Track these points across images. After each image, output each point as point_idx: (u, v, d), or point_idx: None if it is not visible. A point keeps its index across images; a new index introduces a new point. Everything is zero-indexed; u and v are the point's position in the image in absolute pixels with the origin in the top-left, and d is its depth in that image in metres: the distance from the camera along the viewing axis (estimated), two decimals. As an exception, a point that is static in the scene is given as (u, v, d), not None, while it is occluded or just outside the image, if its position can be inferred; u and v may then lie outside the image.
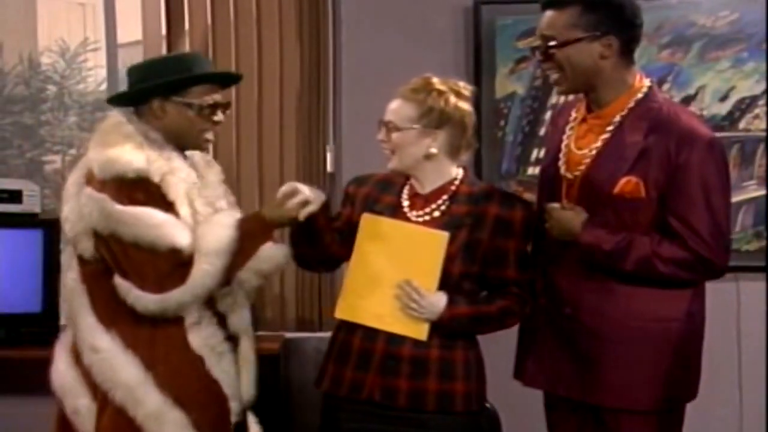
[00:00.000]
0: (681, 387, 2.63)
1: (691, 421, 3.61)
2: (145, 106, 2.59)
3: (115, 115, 2.60)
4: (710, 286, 3.63)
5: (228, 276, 2.50)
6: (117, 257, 2.47)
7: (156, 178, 2.47)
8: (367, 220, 2.59)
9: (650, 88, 2.60)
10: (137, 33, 4.05)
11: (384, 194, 2.68)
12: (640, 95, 2.58)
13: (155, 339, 2.51)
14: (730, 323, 3.77)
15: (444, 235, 2.53)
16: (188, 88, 2.57)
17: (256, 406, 2.74)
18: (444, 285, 2.55)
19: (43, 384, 3.74)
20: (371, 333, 2.57)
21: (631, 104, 2.57)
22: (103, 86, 5.86)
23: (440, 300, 2.53)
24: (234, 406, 2.60)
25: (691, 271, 2.53)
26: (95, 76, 7.74)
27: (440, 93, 2.59)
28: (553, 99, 3.83)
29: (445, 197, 2.63)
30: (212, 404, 2.55)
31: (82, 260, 2.55)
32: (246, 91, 3.91)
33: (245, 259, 2.51)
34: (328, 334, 2.76)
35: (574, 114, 2.71)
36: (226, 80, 2.74)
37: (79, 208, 2.51)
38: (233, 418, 2.60)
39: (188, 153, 2.67)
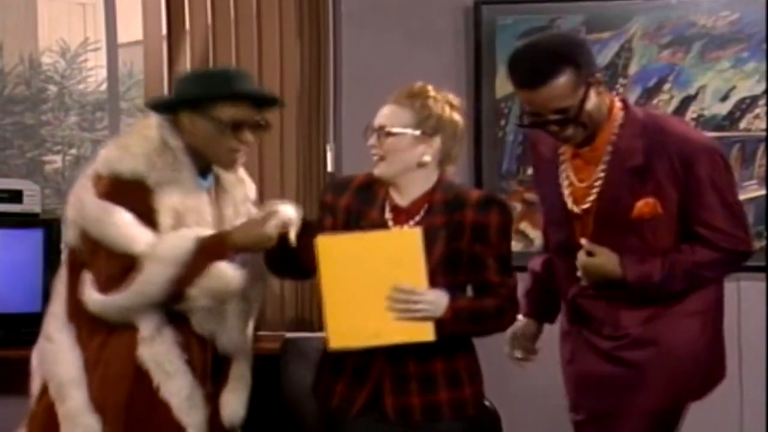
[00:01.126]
0: (713, 372, 2.73)
1: (691, 421, 3.61)
2: (178, 116, 2.57)
3: (149, 117, 2.62)
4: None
5: (176, 289, 2.43)
6: (85, 248, 2.48)
7: (151, 185, 2.46)
8: (324, 242, 2.45)
9: (624, 104, 2.64)
10: (138, 33, 4.05)
11: (366, 208, 2.61)
12: (620, 119, 2.61)
13: (106, 342, 2.49)
14: (731, 323, 3.72)
15: (416, 231, 2.46)
16: (215, 104, 2.53)
17: (256, 405, 2.73)
18: None
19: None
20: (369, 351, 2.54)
21: (616, 129, 2.60)
22: (104, 86, 5.86)
23: (441, 295, 2.48)
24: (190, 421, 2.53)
25: (730, 266, 2.68)
26: (96, 76, 7.76)
27: (436, 99, 2.56)
28: (554, 99, 3.83)
29: (423, 208, 2.58)
30: (139, 422, 2.48)
31: (67, 247, 2.57)
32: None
33: (195, 274, 2.43)
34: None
35: (562, 149, 2.70)
36: (259, 101, 2.62)
37: (76, 203, 2.53)
38: None
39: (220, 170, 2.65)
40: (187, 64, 3.93)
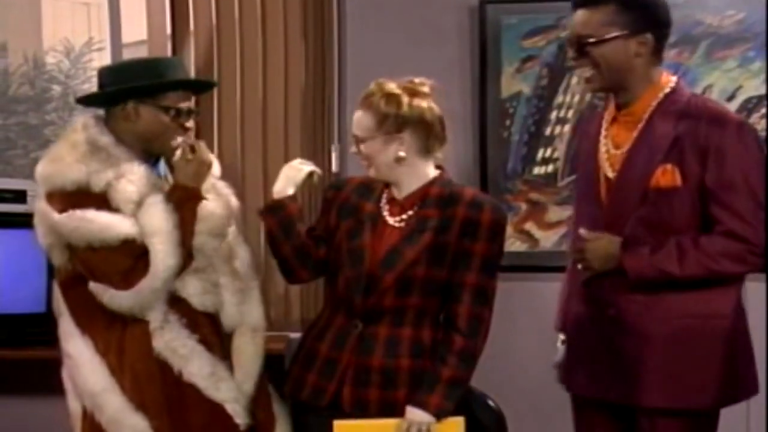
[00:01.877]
0: (730, 386, 2.60)
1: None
2: (117, 107, 2.59)
3: (76, 122, 2.62)
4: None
5: (184, 249, 2.50)
6: (82, 263, 2.51)
7: (97, 189, 2.48)
8: (340, 427, 2.52)
9: (677, 83, 2.63)
10: (142, 33, 4.05)
11: (364, 201, 2.68)
12: (667, 90, 2.60)
13: (124, 345, 2.53)
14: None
15: (459, 420, 2.53)
16: (163, 93, 2.58)
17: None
18: (405, 290, 2.55)
19: (47, 384, 3.74)
20: (340, 341, 2.59)
21: (660, 98, 2.58)
22: (108, 86, 5.88)
23: (416, 414, 2.51)
24: (233, 408, 2.58)
25: (747, 263, 2.51)
26: (100, 76, 7.75)
27: (390, 96, 2.57)
28: (559, 98, 3.83)
29: (417, 202, 2.62)
30: (179, 410, 2.53)
31: (56, 269, 2.61)
32: (251, 91, 3.91)
33: (190, 226, 2.50)
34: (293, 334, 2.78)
35: (606, 116, 2.71)
36: (202, 87, 2.78)
37: (40, 223, 2.57)
38: (238, 420, 2.58)
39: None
40: (191, 63, 3.93)
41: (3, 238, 3.79)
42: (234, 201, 2.77)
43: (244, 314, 2.68)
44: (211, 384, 2.55)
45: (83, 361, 2.53)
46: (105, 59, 6.29)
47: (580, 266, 2.61)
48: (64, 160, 2.51)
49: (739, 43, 3.75)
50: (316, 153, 3.93)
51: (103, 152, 2.53)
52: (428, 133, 2.60)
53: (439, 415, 2.51)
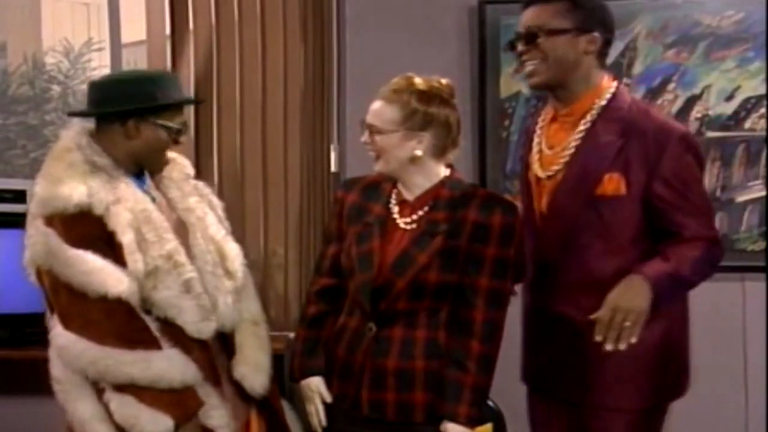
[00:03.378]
0: (667, 385, 2.66)
1: (696, 421, 3.62)
2: (115, 124, 2.56)
3: (66, 139, 2.58)
4: (715, 286, 3.62)
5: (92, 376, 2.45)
6: (49, 292, 2.50)
7: (98, 211, 2.45)
8: None
9: (617, 88, 2.64)
10: (141, 33, 4.06)
11: (372, 203, 2.64)
12: (608, 95, 2.62)
13: None
14: (736, 323, 3.77)
15: (488, 428, 2.54)
16: (166, 111, 2.57)
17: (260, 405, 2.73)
18: (418, 294, 2.53)
19: (47, 384, 3.73)
20: (355, 344, 2.59)
21: (602, 102, 2.61)
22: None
23: (450, 428, 2.51)
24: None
25: (709, 264, 2.59)
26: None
27: (423, 93, 2.54)
28: (558, 99, 3.83)
29: (428, 203, 2.58)
30: None
31: (45, 293, 2.57)
32: (250, 91, 3.92)
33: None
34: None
35: (543, 115, 2.74)
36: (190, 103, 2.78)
37: (28, 238, 2.53)
38: None
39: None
40: (190, 64, 3.94)
41: (2, 238, 3.79)
42: (215, 200, 2.76)
43: (242, 311, 2.67)
44: (202, 412, 2.51)
45: (71, 386, 2.50)
46: (104, 59, 6.29)
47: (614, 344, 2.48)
48: (63, 182, 2.47)
49: (738, 43, 3.75)
50: (315, 153, 3.94)
51: (103, 173, 2.51)
52: (447, 136, 2.58)
53: (471, 423, 2.50)
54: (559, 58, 2.57)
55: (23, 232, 3.79)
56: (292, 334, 3.94)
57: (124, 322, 2.44)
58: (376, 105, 2.57)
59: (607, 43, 2.64)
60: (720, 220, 3.75)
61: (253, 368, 2.65)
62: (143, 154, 2.58)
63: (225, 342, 2.64)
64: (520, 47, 2.63)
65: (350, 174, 3.66)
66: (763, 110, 3.75)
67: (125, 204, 2.49)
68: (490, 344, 2.52)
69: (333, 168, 3.97)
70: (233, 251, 2.69)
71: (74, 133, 2.58)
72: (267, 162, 3.94)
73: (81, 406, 2.48)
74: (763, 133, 3.75)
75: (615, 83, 2.65)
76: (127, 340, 2.43)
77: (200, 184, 2.76)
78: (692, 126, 3.75)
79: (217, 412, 2.54)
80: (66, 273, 2.44)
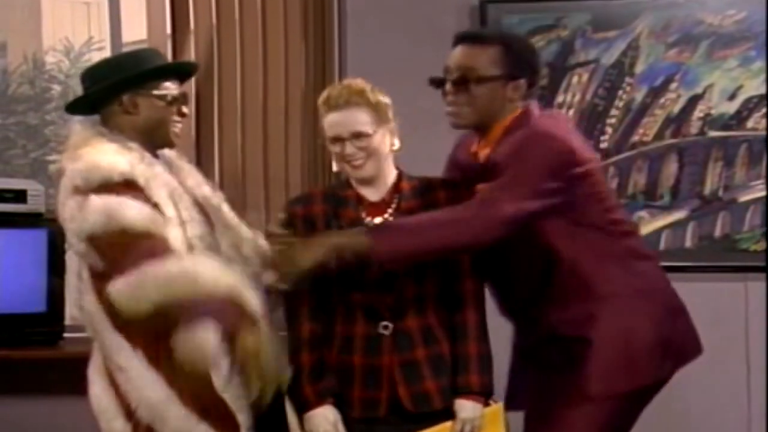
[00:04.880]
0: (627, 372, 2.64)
1: (699, 422, 3.63)
2: (112, 107, 2.56)
3: (82, 131, 2.56)
4: (718, 286, 3.64)
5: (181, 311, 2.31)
6: (107, 255, 2.40)
7: (141, 181, 2.44)
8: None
9: (524, 112, 2.63)
10: (142, 32, 4.07)
11: (341, 209, 2.67)
12: (509, 123, 2.63)
13: (171, 356, 2.39)
14: (739, 323, 3.78)
15: (498, 407, 2.61)
16: (157, 81, 2.56)
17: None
18: (421, 275, 2.59)
19: (47, 385, 3.75)
20: (372, 348, 2.59)
21: (505, 127, 2.63)
22: (108, 86, 5.89)
23: (463, 404, 2.57)
24: (242, 420, 2.50)
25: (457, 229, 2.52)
26: (100, 76, 7.77)
27: (374, 88, 2.65)
28: (560, 98, 3.84)
29: (394, 199, 2.65)
30: (227, 418, 2.48)
31: (95, 275, 2.48)
32: (251, 91, 3.93)
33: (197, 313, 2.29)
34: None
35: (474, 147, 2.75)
36: (187, 73, 2.77)
37: (72, 220, 2.44)
38: None
39: (160, 153, 2.66)
40: (191, 63, 3.95)
41: (3, 237, 3.80)
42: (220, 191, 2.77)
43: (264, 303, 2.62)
44: (234, 394, 2.48)
45: (139, 372, 2.44)
46: (105, 59, 6.29)
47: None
48: (101, 157, 2.44)
49: (740, 42, 3.76)
50: (317, 153, 3.95)
51: (136, 155, 2.51)
52: (393, 125, 2.69)
53: (484, 392, 2.58)
54: (485, 105, 2.62)
55: (23, 231, 3.84)
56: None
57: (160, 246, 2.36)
58: (346, 114, 2.61)
59: (531, 86, 2.67)
60: (722, 220, 3.76)
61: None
62: (148, 129, 2.56)
63: None
64: (447, 87, 2.64)
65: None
66: (764, 110, 3.76)
67: (160, 179, 2.50)
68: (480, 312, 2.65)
69: (334, 167, 3.96)
70: (249, 237, 2.70)
71: (86, 124, 2.58)
72: (268, 161, 3.94)
73: (150, 390, 2.43)
74: (765, 133, 3.76)
75: (528, 107, 2.65)
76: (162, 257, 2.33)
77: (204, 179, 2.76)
78: (694, 126, 3.77)
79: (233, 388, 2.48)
80: (128, 216, 2.35)
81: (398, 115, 2.73)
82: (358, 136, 2.61)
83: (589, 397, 2.55)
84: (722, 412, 3.75)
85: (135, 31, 4.33)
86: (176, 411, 2.43)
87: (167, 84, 2.59)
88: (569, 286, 2.59)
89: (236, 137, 3.95)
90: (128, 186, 2.41)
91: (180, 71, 2.69)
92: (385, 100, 2.67)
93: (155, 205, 2.44)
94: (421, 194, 2.65)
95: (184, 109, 2.62)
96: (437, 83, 2.68)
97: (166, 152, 2.69)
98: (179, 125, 2.62)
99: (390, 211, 2.65)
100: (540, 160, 2.52)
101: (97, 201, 2.38)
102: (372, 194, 2.67)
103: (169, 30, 3.99)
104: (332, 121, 2.63)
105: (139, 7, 4.08)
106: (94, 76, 2.61)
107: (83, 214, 2.41)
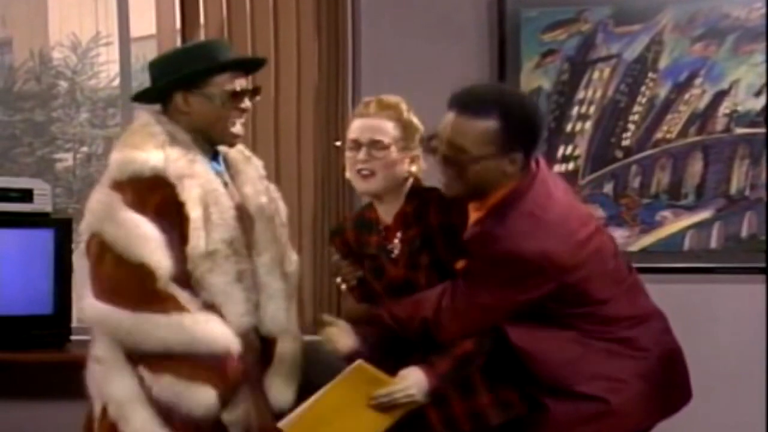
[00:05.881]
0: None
1: (721, 423, 3.61)
2: (170, 103, 2.61)
3: (144, 116, 2.63)
4: (744, 288, 3.61)
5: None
6: (94, 260, 2.49)
7: (172, 178, 2.48)
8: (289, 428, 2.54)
9: (516, 188, 2.51)
10: (151, 27, 4.07)
11: (367, 235, 2.72)
12: (500, 199, 2.53)
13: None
14: (757, 325, 3.75)
15: (359, 364, 2.54)
16: (208, 78, 2.57)
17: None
18: None
19: (54, 388, 3.76)
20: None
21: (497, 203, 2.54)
22: (116, 82, 5.89)
23: (413, 373, 2.52)
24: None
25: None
26: (108, 72, 7.79)
27: (409, 111, 2.65)
28: (581, 94, 3.82)
29: (400, 223, 2.66)
30: (194, 429, 2.50)
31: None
32: (262, 87, 3.91)
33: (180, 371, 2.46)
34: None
35: None
36: (246, 66, 2.72)
37: (91, 212, 2.53)
38: None
39: (224, 150, 2.69)
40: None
41: (9, 238, 3.81)
42: (282, 206, 2.78)
43: (290, 321, 2.70)
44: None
45: (114, 368, 2.50)
46: (113, 54, 6.31)
47: None
48: (142, 148, 2.51)
49: None
50: (330, 152, 3.94)
51: (182, 147, 2.55)
52: (419, 153, 2.67)
53: (442, 380, 2.52)
54: (477, 182, 2.49)
55: (29, 231, 3.84)
56: (305, 337, 3.95)
57: (159, 290, 2.44)
58: (372, 121, 2.62)
59: (530, 155, 2.53)
60: (749, 220, 3.74)
61: (285, 381, 2.66)
62: (203, 127, 2.59)
63: (264, 346, 2.65)
64: (438, 155, 2.51)
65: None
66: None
67: (198, 179, 2.52)
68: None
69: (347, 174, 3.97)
70: (293, 256, 2.74)
71: (150, 111, 2.63)
72: (279, 160, 3.94)
73: (120, 386, 2.48)
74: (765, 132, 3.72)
75: (515, 189, 2.52)
76: (162, 305, 2.44)
77: (272, 186, 2.79)
78: (720, 123, 3.75)
79: (232, 410, 2.54)
80: (115, 234, 2.45)
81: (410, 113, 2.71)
82: (375, 144, 2.60)
83: None
84: (745, 416, 3.73)
85: (144, 26, 4.33)
86: (141, 412, 2.47)
87: (219, 79, 2.57)
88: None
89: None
90: (157, 182, 2.47)
91: (235, 67, 2.63)
92: (417, 124, 2.65)
93: (181, 204, 2.48)
94: (418, 218, 2.63)
95: (243, 105, 2.61)
96: (428, 147, 2.59)
97: (232, 153, 2.71)
98: (239, 122, 2.62)
99: (399, 235, 2.65)
100: (504, 286, 2.48)
101: (121, 215, 2.45)
102: (385, 216, 2.69)
103: (178, 25, 4.00)
104: (356, 126, 2.65)
105: (148, 1, 4.09)
106: (156, 69, 2.64)
107: (94, 209, 2.49)
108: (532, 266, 2.44)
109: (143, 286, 2.44)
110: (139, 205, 2.46)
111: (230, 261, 2.53)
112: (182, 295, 2.47)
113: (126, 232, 2.44)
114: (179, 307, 2.45)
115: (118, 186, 2.49)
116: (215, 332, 2.47)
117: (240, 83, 2.61)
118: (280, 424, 2.52)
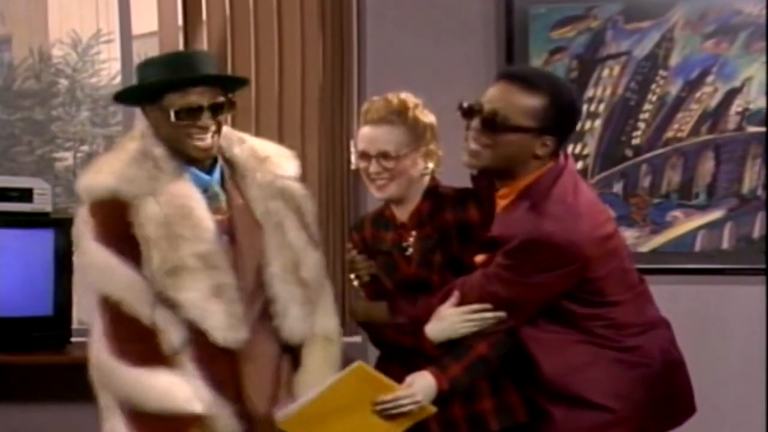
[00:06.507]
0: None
1: (737, 425, 3.60)
2: (144, 113, 2.62)
3: (139, 126, 2.64)
4: (756, 290, 3.60)
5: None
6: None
7: (125, 198, 2.48)
8: (285, 423, 2.52)
9: (544, 175, 2.53)
10: (153, 24, 4.07)
11: (383, 232, 2.73)
12: (531, 181, 2.54)
13: None
14: (760, 328, 3.74)
15: (358, 365, 2.51)
16: (164, 93, 2.52)
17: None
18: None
19: (54, 391, 3.76)
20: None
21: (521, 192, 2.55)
22: (117, 80, 5.89)
23: (421, 378, 2.50)
24: None
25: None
26: (109, 69, 7.79)
27: (418, 106, 2.63)
28: (590, 92, 3.82)
29: (416, 221, 2.66)
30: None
31: None
32: (266, 86, 3.92)
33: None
34: (355, 339, 2.77)
35: None
36: (212, 81, 2.60)
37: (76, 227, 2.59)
38: None
39: (232, 154, 2.67)
40: (204, 56, 3.94)
41: (8, 238, 3.81)
42: (307, 205, 2.70)
43: (315, 324, 2.65)
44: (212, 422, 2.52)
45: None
46: (114, 52, 6.30)
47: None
48: (103, 169, 2.54)
49: (781, 33, 3.73)
50: (335, 149, 3.94)
51: (151, 162, 2.53)
52: (437, 148, 2.67)
53: (453, 385, 2.50)
54: (508, 154, 2.50)
55: (29, 232, 3.84)
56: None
57: (127, 329, 2.46)
58: (380, 131, 2.61)
59: (560, 144, 2.56)
60: (761, 220, 3.73)
61: (305, 389, 2.59)
62: (166, 140, 2.56)
63: (294, 355, 2.63)
64: (474, 123, 2.53)
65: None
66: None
67: (159, 197, 2.50)
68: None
69: (353, 165, 3.96)
70: (311, 260, 2.65)
71: (143, 125, 2.62)
72: (284, 159, 3.93)
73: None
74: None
75: (548, 177, 2.54)
76: (127, 352, 2.46)
77: (293, 186, 2.69)
78: (732, 121, 3.74)
79: (225, 427, 2.52)
80: (82, 263, 2.50)
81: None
82: (384, 156, 2.60)
83: None
84: (756, 416, 3.72)
85: (146, 23, 4.32)
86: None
87: (172, 96, 2.52)
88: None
89: (251, 135, 3.92)
90: (114, 205, 2.47)
91: (183, 84, 2.54)
92: (427, 119, 2.64)
93: (129, 225, 2.48)
94: (433, 216, 2.64)
95: (200, 123, 2.53)
96: (466, 113, 2.55)
97: (242, 156, 2.67)
98: (203, 137, 2.55)
99: (414, 233, 2.65)
100: (539, 279, 2.47)
101: (92, 248, 2.51)
102: (401, 214, 2.69)
103: (180, 22, 4.00)
104: (363, 136, 2.64)
105: (150, -3, 4.09)
106: (136, 72, 2.63)
107: (76, 240, 2.57)
108: (561, 252, 2.44)
109: (112, 322, 2.48)
110: (102, 232, 2.48)
111: (202, 276, 2.49)
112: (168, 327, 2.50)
113: (90, 261, 2.50)
114: (149, 358, 2.47)
115: (89, 209, 2.52)
116: (182, 394, 2.47)
117: (194, 100, 2.52)
118: (277, 417, 2.50)
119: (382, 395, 2.47)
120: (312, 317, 2.63)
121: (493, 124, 2.49)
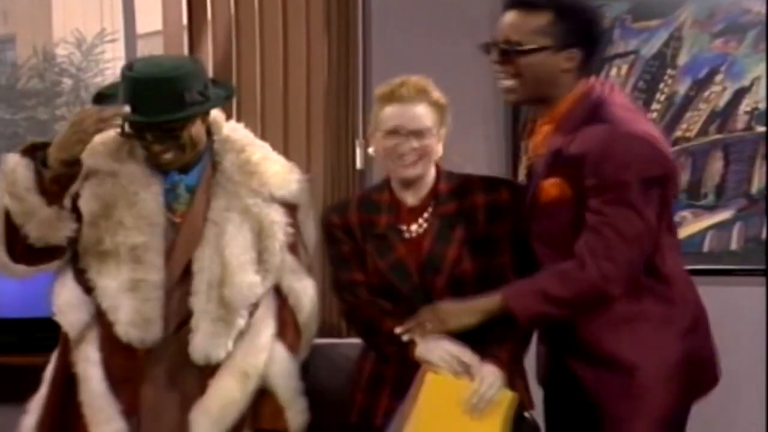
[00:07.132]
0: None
1: (748, 425, 3.60)
2: None
3: None
4: (758, 291, 3.59)
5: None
6: None
7: (86, 170, 2.56)
8: (432, 380, 2.51)
9: (589, 90, 2.58)
10: (157, 23, 4.08)
11: (375, 215, 2.71)
12: (577, 95, 2.58)
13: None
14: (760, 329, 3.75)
15: (513, 395, 2.53)
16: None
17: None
18: (458, 290, 2.60)
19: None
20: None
21: (569, 106, 2.57)
22: (121, 79, 5.92)
23: (488, 368, 2.52)
24: None
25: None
26: (113, 69, 7.81)
27: (435, 88, 2.67)
28: (597, 91, 3.82)
29: (430, 203, 2.67)
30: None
31: None
32: (271, 85, 3.93)
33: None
34: (355, 341, 2.77)
35: (530, 126, 2.77)
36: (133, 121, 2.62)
37: None
38: None
39: (223, 160, 2.70)
40: (208, 56, 3.96)
41: (11, 238, 3.82)
42: (278, 233, 2.70)
43: (236, 354, 2.58)
44: (96, 420, 2.55)
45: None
46: (118, 51, 6.32)
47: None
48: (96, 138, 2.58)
49: (790, 31, 3.73)
50: (340, 149, 3.95)
51: (127, 148, 2.61)
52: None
53: (508, 368, 2.54)
54: (535, 77, 2.56)
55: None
56: (315, 341, 3.95)
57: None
58: (409, 108, 2.63)
59: (590, 55, 2.60)
60: (771, 222, 3.74)
61: (201, 416, 2.55)
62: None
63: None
64: (494, 57, 2.60)
65: (376, 170, 3.65)
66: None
67: (117, 178, 2.56)
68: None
69: (358, 165, 3.98)
70: (243, 282, 2.59)
71: None
72: (289, 158, 3.92)
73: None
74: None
75: (590, 86, 2.59)
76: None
77: (266, 211, 2.66)
78: (741, 120, 3.74)
79: (107, 427, 2.53)
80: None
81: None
82: (418, 133, 2.62)
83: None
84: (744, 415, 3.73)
85: (150, 22, 4.35)
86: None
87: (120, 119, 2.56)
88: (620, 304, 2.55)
89: (256, 134, 3.93)
90: (78, 169, 2.54)
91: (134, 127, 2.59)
92: (444, 101, 2.69)
93: (76, 196, 2.55)
94: (458, 197, 2.67)
95: (149, 146, 2.56)
96: (486, 48, 2.63)
97: (229, 163, 2.70)
98: (161, 153, 2.57)
99: (426, 215, 2.67)
100: (639, 174, 2.45)
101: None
102: (410, 197, 2.69)
103: (185, 21, 4.01)
104: (393, 113, 2.64)
105: (154, -4, 4.11)
106: None
107: None
108: (651, 151, 2.46)
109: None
110: (54, 169, 2.54)
111: (125, 267, 2.51)
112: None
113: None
114: None
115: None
116: None
117: (137, 125, 2.56)
118: None
119: (463, 394, 2.49)
120: (223, 339, 2.55)
121: (508, 53, 2.55)
